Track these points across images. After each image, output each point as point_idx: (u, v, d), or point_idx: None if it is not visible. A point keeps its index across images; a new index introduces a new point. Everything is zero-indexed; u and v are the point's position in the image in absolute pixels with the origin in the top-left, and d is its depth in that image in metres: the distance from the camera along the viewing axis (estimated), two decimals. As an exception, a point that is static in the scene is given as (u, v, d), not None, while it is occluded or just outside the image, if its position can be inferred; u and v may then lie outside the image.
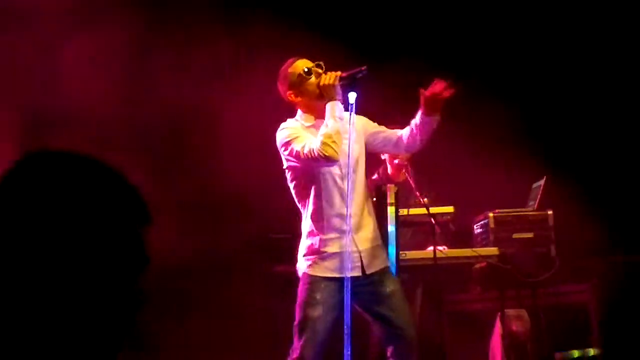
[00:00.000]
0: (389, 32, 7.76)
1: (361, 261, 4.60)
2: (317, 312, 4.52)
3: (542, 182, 5.90)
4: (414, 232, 6.25)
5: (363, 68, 4.50)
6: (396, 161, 6.39)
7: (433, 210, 5.66)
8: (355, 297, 4.54)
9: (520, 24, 7.85)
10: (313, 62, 4.71)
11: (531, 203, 5.95)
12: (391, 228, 5.40)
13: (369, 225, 4.71)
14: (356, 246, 4.60)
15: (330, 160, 4.46)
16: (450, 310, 6.53)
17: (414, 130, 4.72)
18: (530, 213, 5.85)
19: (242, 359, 6.94)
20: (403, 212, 5.58)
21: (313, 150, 4.45)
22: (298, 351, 4.53)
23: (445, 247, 5.85)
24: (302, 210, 4.72)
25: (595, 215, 6.96)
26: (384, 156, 6.50)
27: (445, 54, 7.50)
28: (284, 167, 4.70)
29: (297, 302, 4.62)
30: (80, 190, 1.42)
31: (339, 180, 4.62)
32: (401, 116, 4.91)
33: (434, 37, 7.74)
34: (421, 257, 5.68)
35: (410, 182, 5.96)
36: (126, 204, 1.46)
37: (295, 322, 4.58)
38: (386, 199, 5.43)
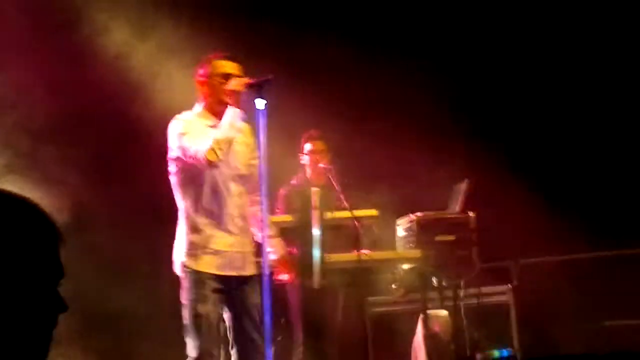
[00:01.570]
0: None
1: (241, 263, 4.68)
2: (207, 307, 4.57)
3: (464, 184, 5.96)
4: (337, 235, 6.25)
5: (270, 77, 4.54)
6: (321, 165, 6.39)
7: (357, 213, 5.67)
8: (228, 298, 4.64)
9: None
10: (242, 71, 4.72)
11: (453, 206, 6.00)
12: (316, 231, 5.42)
13: (248, 229, 4.78)
14: (241, 247, 4.68)
15: (211, 165, 4.53)
16: (373, 312, 6.58)
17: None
18: (453, 216, 5.90)
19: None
20: (327, 215, 5.60)
21: (198, 152, 4.51)
22: (197, 350, 4.55)
23: (368, 250, 5.87)
24: (181, 203, 4.71)
25: (516, 217, 7.09)
26: (304, 160, 6.52)
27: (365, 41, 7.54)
28: (170, 156, 4.71)
29: (185, 300, 4.62)
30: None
31: (229, 181, 4.68)
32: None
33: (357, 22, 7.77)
34: (345, 259, 5.68)
35: (335, 185, 5.97)
36: (38, 226, 1.64)
37: (188, 321, 4.58)
38: (311, 203, 5.45)
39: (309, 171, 6.55)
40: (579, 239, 7.17)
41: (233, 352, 4.69)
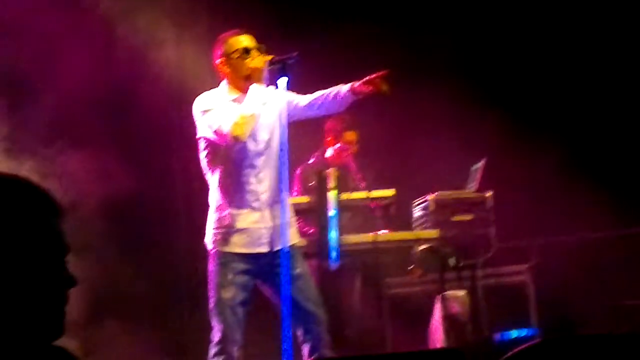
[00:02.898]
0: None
1: (270, 238, 4.61)
2: (229, 293, 4.58)
3: (481, 163, 5.93)
4: (353, 215, 6.24)
5: (294, 54, 4.51)
6: (337, 145, 6.38)
7: (374, 193, 5.65)
8: (263, 276, 4.60)
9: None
10: (258, 42, 4.69)
11: (470, 185, 5.98)
12: (332, 212, 5.40)
13: (279, 201, 4.66)
14: (266, 222, 4.62)
15: (237, 140, 4.51)
16: (390, 293, 6.56)
17: (325, 102, 4.75)
18: (470, 195, 5.87)
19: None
20: (343, 196, 5.57)
21: (222, 127, 4.50)
22: (220, 334, 4.59)
23: (386, 231, 5.85)
24: (210, 181, 4.73)
25: (535, 196, 7.04)
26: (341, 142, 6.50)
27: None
28: (197, 136, 4.71)
29: (210, 283, 4.65)
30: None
31: (252, 156, 4.65)
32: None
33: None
34: (361, 241, 5.66)
35: (352, 165, 5.95)
36: (36, 203, 1.63)
37: (211, 305, 4.62)
38: (327, 183, 5.43)
39: (329, 151, 6.52)
40: (597, 217, 7.10)
41: (299, 334, 4.68)
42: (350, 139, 6.47)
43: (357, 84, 4.66)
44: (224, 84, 4.76)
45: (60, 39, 6.34)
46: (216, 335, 4.60)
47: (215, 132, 4.55)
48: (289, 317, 4.35)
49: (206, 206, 4.79)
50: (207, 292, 4.68)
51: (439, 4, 7.86)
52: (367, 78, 4.65)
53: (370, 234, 5.58)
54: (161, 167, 7.29)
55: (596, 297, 6.91)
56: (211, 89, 4.79)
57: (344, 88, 4.69)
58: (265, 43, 4.71)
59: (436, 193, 5.83)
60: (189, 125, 4.82)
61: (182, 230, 7.30)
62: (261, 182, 4.65)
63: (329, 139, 6.56)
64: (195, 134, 4.74)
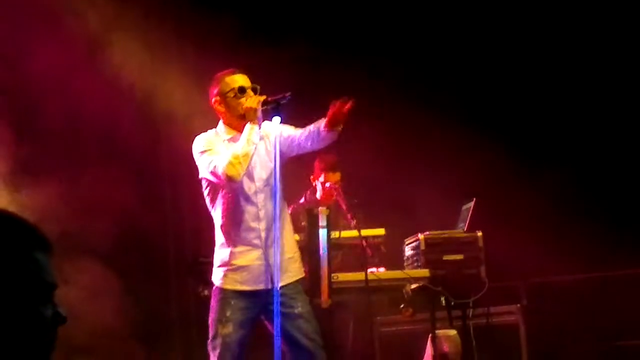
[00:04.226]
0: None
1: (271, 275, 4.61)
2: (227, 329, 4.59)
3: (471, 203, 5.95)
4: (344, 254, 6.26)
5: (287, 94, 4.54)
6: (327, 184, 6.41)
7: (364, 232, 5.67)
8: (265, 313, 4.61)
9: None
10: (252, 82, 4.73)
11: (461, 225, 6.00)
12: (323, 251, 5.40)
13: (281, 238, 4.68)
14: (266, 260, 4.63)
15: (231, 180, 4.53)
16: (381, 332, 6.55)
17: (314, 137, 4.68)
18: (460, 235, 5.90)
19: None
20: (334, 234, 5.59)
21: (217, 168, 4.53)
22: None
23: (383, 268, 5.88)
24: (214, 219, 4.76)
25: (525, 236, 7.05)
26: (319, 181, 6.53)
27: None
28: (199, 176, 4.75)
29: (210, 318, 4.68)
30: None
31: (251, 195, 4.67)
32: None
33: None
34: (353, 279, 5.67)
35: (342, 204, 5.98)
36: (19, 238, 1.58)
37: (209, 339, 4.65)
38: (318, 222, 5.44)
39: (319, 190, 6.56)
40: (589, 257, 7.13)
41: None
42: (332, 180, 6.50)
43: (323, 122, 4.58)
44: (220, 124, 4.80)
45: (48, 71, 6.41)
46: None
47: (211, 173, 4.59)
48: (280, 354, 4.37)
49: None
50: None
51: (434, 43, 7.92)
52: (329, 112, 4.55)
53: (361, 272, 5.58)
54: (152, 193, 7.32)
55: (587, 338, 6.91)
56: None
57: (322, 124, 4.64)
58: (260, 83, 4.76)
59: (427, 232, 5.85)
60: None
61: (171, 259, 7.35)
62: (261, 220, 4.67)
63: (311, 176, 6.61)
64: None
